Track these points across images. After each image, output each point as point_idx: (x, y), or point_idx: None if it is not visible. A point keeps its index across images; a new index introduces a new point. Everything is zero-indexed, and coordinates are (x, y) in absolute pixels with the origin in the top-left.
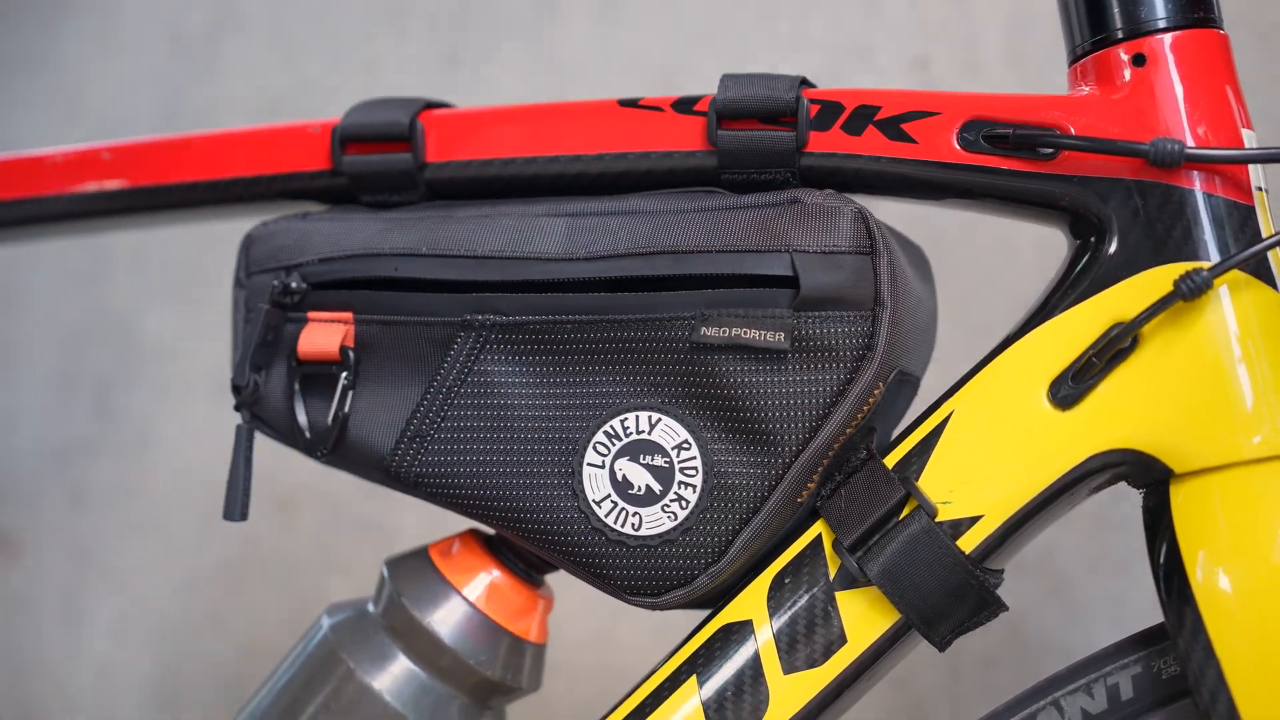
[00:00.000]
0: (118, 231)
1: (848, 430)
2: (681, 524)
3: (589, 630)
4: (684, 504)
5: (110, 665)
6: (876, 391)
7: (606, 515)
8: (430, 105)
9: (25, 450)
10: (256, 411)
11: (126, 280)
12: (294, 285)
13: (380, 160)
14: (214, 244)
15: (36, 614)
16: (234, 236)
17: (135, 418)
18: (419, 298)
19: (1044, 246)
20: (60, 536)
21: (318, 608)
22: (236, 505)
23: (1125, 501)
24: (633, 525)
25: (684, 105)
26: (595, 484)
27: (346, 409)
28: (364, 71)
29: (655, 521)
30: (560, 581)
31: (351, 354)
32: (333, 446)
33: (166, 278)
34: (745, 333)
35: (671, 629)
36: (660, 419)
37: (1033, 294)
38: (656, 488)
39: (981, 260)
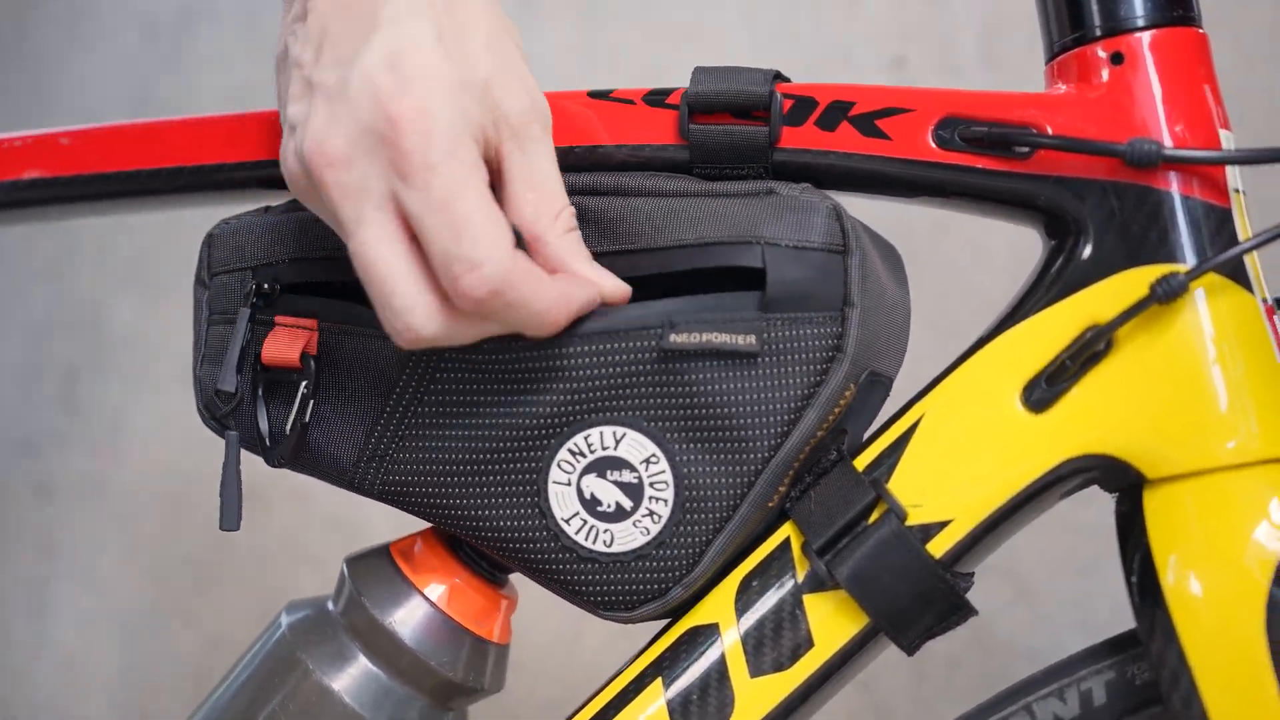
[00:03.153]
0: (80, 218)
1: (819, 433)
2: (654, 538)
3: (553, 631)
4: (656, 518)
5: (76, 659)
6: (847, 393)
7: (576, 533)
8: None
9: None
10: (229, 416)
11: (94, 270)
12: (266, 287)
13: None
14: (181, 233)
15: (1, 607)
16: (198, 225)
17: (103, 409)
18: None
19: (1016, 246)
20: (26, 529)
21: (286, 601)
22: (233, 515)
23: (1090, 505)
24: (604, 542)
25: (656, 98)
26: (563, 502)
27: (307, 418)
28: None
29: (627, 537)
30: (524, 581)
31: (313, 362)
32: (292, 454)
33: (134, 267)
34: (715, 337)
35: (636, 630)
36: (625, 433)
37: (1004, 295)
38: (627, 504)
39: (953, 260)
